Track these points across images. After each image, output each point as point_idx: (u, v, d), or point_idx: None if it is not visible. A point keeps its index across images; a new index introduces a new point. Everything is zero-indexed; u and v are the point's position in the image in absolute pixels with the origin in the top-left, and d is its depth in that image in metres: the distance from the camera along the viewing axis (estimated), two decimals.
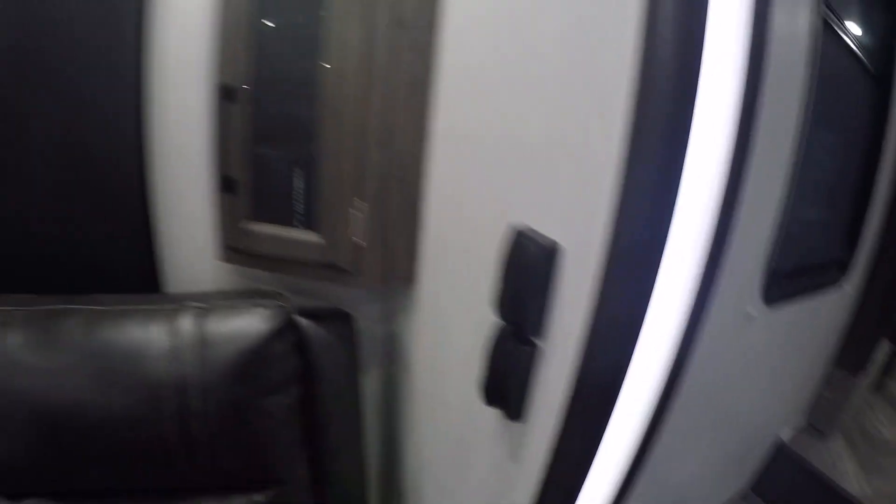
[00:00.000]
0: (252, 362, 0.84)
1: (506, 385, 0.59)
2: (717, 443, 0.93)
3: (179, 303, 0.89)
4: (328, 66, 0.76)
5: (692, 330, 0.53)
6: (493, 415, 0.65)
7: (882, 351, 1.44)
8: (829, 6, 0.75)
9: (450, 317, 0.78)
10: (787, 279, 0.85)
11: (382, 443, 1.01)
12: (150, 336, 0.85)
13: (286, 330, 0.86)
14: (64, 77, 0.87)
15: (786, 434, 1.26)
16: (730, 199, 0.51)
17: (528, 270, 0.55)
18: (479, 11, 0.68)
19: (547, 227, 0.54)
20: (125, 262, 0.98)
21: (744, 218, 0.54)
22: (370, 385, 0.97)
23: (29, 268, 0.95)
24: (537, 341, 0.57)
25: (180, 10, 0.85)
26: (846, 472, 1.31)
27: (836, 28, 0.83)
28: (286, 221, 0.85)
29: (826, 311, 1.17)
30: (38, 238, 0.94)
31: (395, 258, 0.84)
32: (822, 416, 1.38)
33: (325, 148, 0.79)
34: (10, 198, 0.92)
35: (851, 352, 1.34)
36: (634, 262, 0.50)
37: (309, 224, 0.84)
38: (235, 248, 0.87)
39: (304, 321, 0.88)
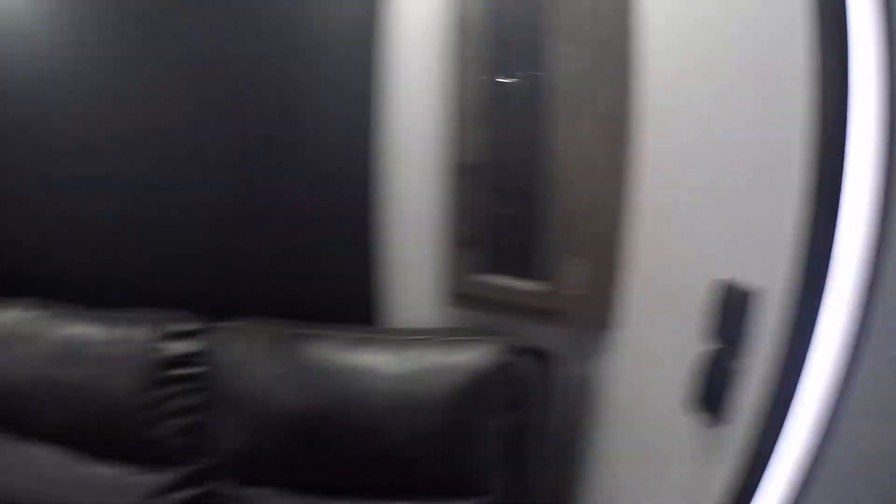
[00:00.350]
0: (473, 389, 1.03)
1: (714, 397, 0.76)
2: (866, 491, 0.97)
3: (410, 335, 1.12)
4: (553, 148, 1.00)
5: (848, 362, 0.65)
6: (694, 426, 0.81)
7: None
8: None
9: (654, 351, 0.96)
10: None
11: (570, 464, 1.15)
12: (387, 360, 1.06)
13: (502, 363, 1.04)
14: (312, 146, 1.21)
15: None
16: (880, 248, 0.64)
17: (735, 309, 0.73)
18: (679, 118, 0.90)
19: (749, 279, 0.73)
20: (352, 297, 1.24)
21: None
22: (565, 414, 1.13)
23: (268, 297, 1.25)
24: (740, 362, 0.73)
25: (412, 97, 1.15)
26: None
27: None
28: (513, 273, 1.08)
29: None
30: (281, 273, 1.26)
31: (604, 306, 1.03)
32: None
33: (551, 212, 1.02)
34: (266, 242, 1.25)
35: None
36: (808, 306, 0.66)
37: (533, 275, 1.05)
38: (464, 295, 1.12)
39: (515, 357, 1.06)
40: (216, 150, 1.28)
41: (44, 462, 1.26)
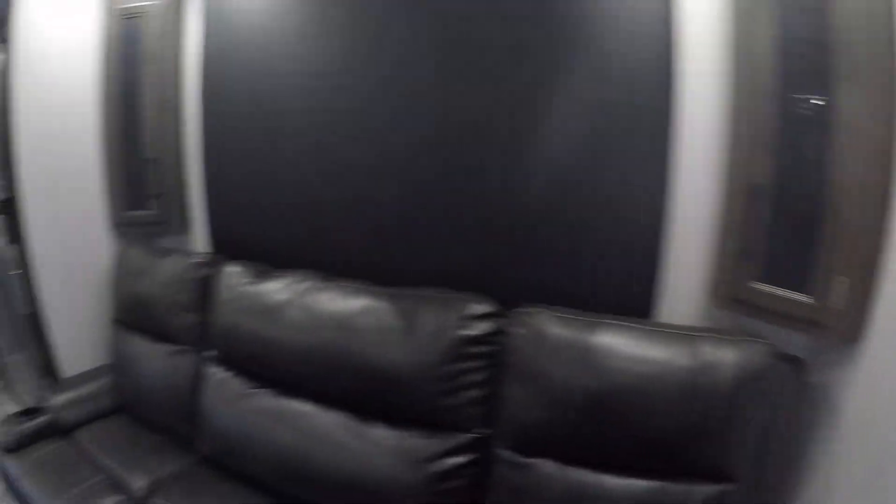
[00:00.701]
0: (738, 386, 1.11)
1: None
2: None
3: (685, 330, 1.20)
4: (829, 172, 1.09)
5: None
6: None
7: None
8: None
9: None
10: None
11: (811, 463, 1.24)
12: (665, 351, 1.15)
13: (765, 365, 1.12)
14: (610, 155, 1.31)
15: None
16: None
17: None
18: None
19: None
20: (633, 293, 1.34)
21: None
22: (812, 417, 1.22)
23: (554, 288, 1.36)
24: None
25: (701, 116, 1.24)
26: None
27: None
28: (780, 283, 1.17)
29: None
30: (571, 267, 1.38)
31: (860, 320, 1.10)
32: None
33: (821, 230, 1.10)
34: (560, 239, 1.36)
35: None
36: None
37: (799, 287, 1.15)
38: (734, 299, 1.24)
39: (775, 360, 1.14)
40: (522, 150, 1.39)
41: (328, 424, 1.39)
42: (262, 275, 1.61)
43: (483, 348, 1.27)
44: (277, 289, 1.52)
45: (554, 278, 1.39)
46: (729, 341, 1.17)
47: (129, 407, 1.90)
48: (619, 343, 1.17)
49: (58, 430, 1.82)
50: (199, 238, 2.03)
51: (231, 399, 1.57)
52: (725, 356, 1.14)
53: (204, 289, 1.70)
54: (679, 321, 1.31)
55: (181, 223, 2.01)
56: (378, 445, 1.32)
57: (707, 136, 1.25)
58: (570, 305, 1.27)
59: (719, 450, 1.15)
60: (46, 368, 2.03)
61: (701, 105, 1.25)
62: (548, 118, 1.35)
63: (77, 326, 2.06)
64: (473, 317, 1.28)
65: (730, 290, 1.25)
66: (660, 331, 1.22)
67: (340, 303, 1.41)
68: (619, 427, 1.16)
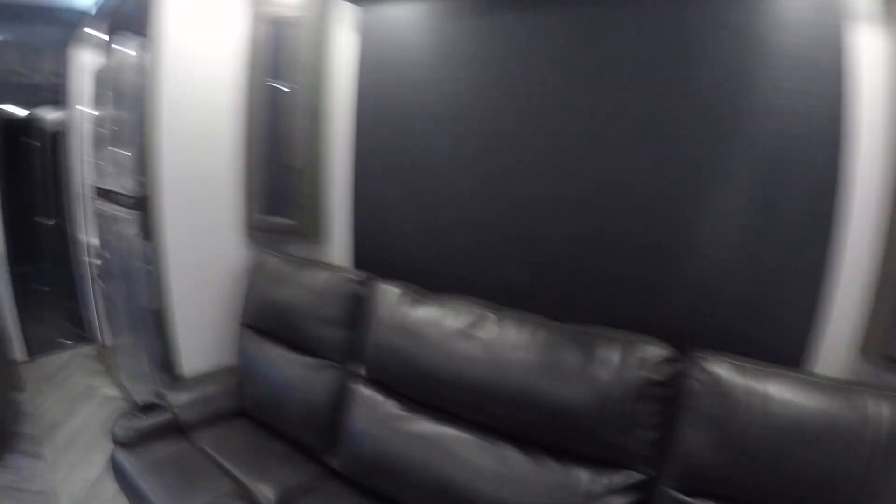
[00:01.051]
0: (880, 439, 1.17)
1: None
2: None
3: (853, 385, 1.25)
4: None
5: None
6: None
7: None
8: None
9: None
10: None
11: None
12: (843, 405, 1.21)
13: None
14: (785, 226, 1.38)
15: None
16: None
17: None
18: None
19: None
20: (791, 344, 1.41)
21: None
22: None
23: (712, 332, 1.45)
24: None
25: (861, 181, 1.31)
26: None
27: None
28: None
29: None
30: (732, 313, 1.45)
31: None
32: None
33: None
34: (723, 285, 1.44)
35: None
36: None
37: None
38: (887, 356, 1.36)
39: None
40: (693, 206, 1.45)
41: (490, 454, 1.42)
42: (422, 297, 1.63)
43: (662, 391, 1.32)
44: (442, 315, 1.54)
45: (715, 325, 1.47)
46: (887, 397, 1.23)
47: (250, 412, 1.92)
48: (790, 393, 1.24)
49: (177, 429, 1.83)
50: (338, 251, 2.05)
51: (382, 420, 1.59)
52: (884, 411, 1.21)
53: (357, 306, 1.73)
54: (829, 373, 1.39)
55: (318, 234, 2.03)
56: (544, 480, 1.35)
57: (871, 193, 1.31)
58: (730, 352, 1.34)
59: (869, 499, 1.20)
60: (167, 365, 2.03)
61: (868, 161, 1.31)
62: (719, 176, 1.43)
63: (201, 327, 2.08)
64: (655, 360, 1.33)
65: (882, 348, 1.36)
66: (826, 383, 1.28)
67: (514, 336, 1.43)
68: (782, 472, 1.22)
